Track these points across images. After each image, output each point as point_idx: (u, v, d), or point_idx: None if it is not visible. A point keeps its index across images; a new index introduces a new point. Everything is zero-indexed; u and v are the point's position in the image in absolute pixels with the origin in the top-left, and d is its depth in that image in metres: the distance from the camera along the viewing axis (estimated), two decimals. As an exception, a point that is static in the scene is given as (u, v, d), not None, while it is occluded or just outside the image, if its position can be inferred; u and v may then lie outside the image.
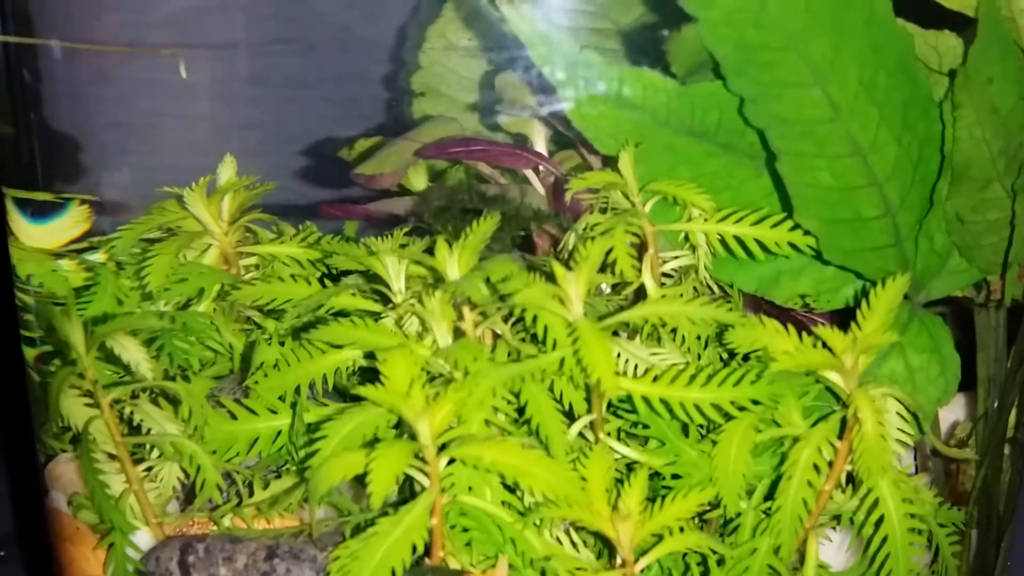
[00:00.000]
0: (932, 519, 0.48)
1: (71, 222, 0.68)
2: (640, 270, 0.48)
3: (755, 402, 0.44)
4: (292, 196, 0.70)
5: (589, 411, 0.46)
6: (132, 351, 0.53)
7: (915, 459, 0.54)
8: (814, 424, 0.45)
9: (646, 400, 0.44)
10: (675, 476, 0.46)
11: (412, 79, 0.65)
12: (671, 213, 0.49)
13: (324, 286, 0.56)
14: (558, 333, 0.44)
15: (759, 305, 0.52)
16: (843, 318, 0.46)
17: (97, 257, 0.64)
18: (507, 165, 0.59)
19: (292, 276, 0.56)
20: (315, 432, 0.49)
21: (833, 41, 0.44)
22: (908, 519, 0.45)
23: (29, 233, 0.66)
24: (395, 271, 0.52)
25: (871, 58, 0.45)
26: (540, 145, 0.58)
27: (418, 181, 0.64)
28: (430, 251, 0.50)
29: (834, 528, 0.49)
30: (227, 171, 0.62)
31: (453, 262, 0.47)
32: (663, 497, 0.43)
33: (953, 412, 0.56)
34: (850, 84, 0.45)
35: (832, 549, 0.51)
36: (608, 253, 0.45)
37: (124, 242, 0.59)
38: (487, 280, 0.47)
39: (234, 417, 0.51)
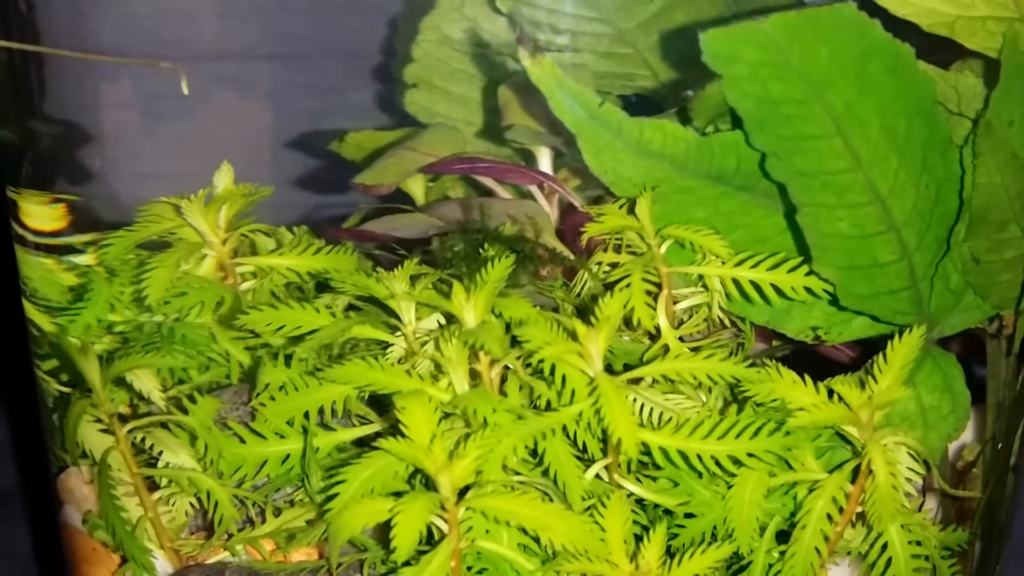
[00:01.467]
0: (937, 553, 0.49)
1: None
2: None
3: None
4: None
5: (604, 454, 0.47)
6: (145, 381, 0.54)
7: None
8: (830, 471, 0.46)
9: (663, 450, 0.45)
10: (688, 515, 0.47)
11: (405, 71, 0.64)
12: (686, 253, 0.48)
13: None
14: (578, 386, 0.44)
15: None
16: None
17: (84, 259, 0.64)
18: (511, 181, 0.59)
19: (295, 296, 0.56)
20: (331, 470, 0.50)
21: (856, 90, 0.43)
22: (915, 560, 0.46)
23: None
24: (405, 303, 0.52)
25: (892, 105, 0.44)
26: (545, 164, 0.57)
27: (418, 191, 0.63)
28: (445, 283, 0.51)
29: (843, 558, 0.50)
30: (224, 179, 0.61)
31: (469, 308, 0.47)
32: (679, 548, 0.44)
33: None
34: (871, 132, 0.44)
35: (838, 572, 0.52)
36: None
37: (116, 249, 0.58)
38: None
39: (242, 440, 0.52)
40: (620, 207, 0.48)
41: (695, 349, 0.50)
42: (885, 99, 0.44)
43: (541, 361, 0.44)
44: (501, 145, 0.64)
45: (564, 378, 0.45)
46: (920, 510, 0.53)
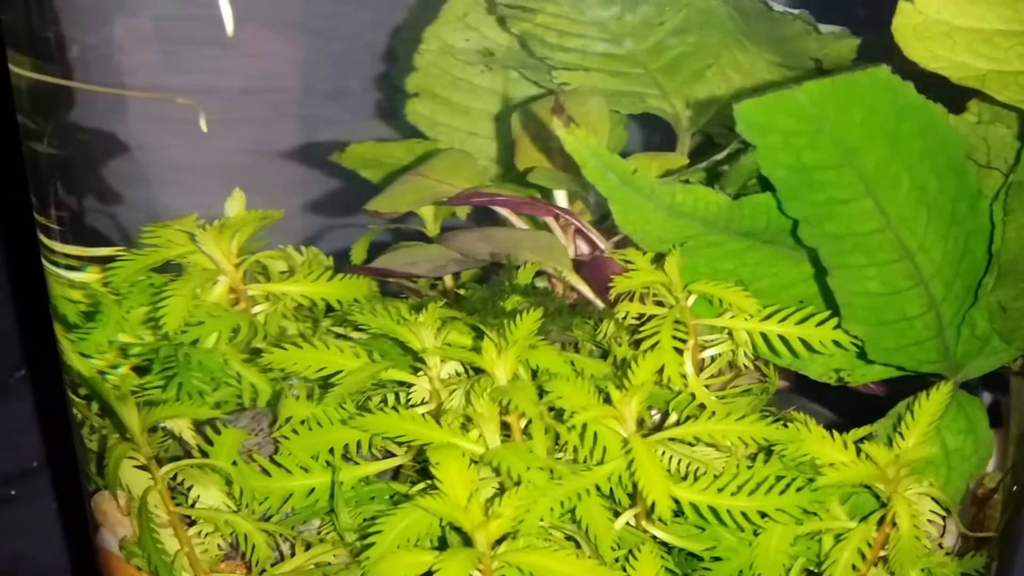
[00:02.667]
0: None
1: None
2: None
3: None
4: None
5: (633, 501, 0.48)
6: (179, 424, 0.55)
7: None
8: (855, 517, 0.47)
9: (693, 505, 0.46)
10: (715, 559, 0.49)
11: (407, 80, 0.64)
12: (713, 304, 0.49)
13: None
14: (611, 445, 0.45)
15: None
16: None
17: (84, 277, 0.65)
18: (528, 213, 0.59)
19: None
20: (364, 515, 0.51)
21: (887, 152, 0.43)
22: (935, 601, 0.48)
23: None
24: (429, 341, 0.52)
25: (923, 163, 0.44)
26: (561, 199, 0.57)
27: (428, 215, 0.63)
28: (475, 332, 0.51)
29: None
30: (236, 205, 0.62)
31: (500, 364, 0.48)
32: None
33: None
34: (901, 191, 0.44)
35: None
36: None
37: (125, 272, 0.59)
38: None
39: (268, 474, 0.53)
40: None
41: (719, 394, 0.51)
42: (916, 158, 0.44)
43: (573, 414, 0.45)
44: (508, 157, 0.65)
45: (596, 435, 0.46)
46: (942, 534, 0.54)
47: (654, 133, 0.67)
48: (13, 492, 0.91)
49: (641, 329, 0.48)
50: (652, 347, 0.47)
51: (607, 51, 0.59)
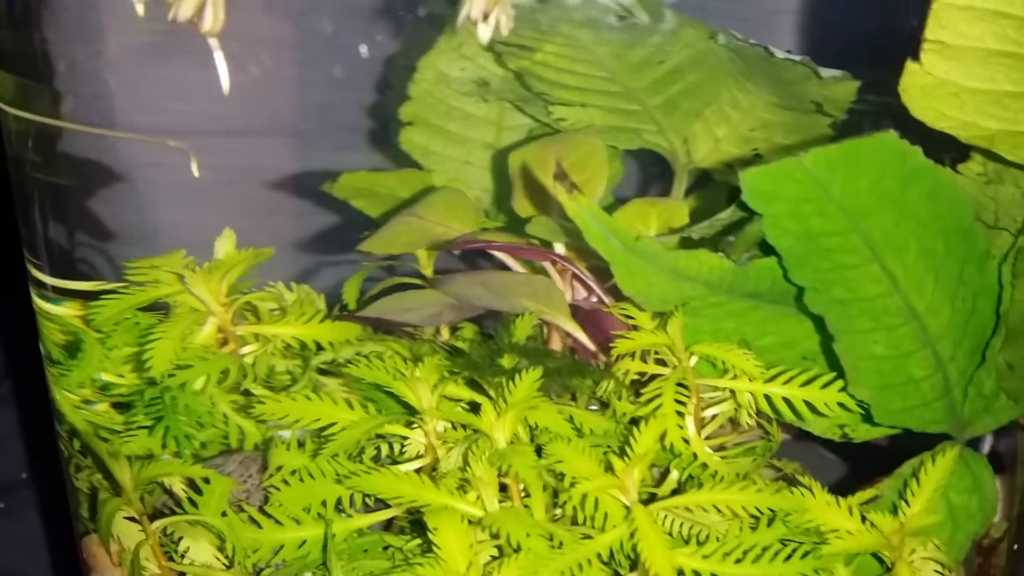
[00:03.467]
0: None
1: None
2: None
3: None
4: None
5: (634, 568, 0.47)
6: (171, 480, 0.54)
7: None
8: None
9: (697, 574, 0.45)
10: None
11: (401, 109, 0.63)
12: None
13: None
14: (612, 511, 0.44)
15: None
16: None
17: (60, 310, 0.64)
18: (525, 258, 0.58)
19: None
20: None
21: (895, 216, 0.42)
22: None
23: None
24: (427, 401, 0.51)
25: (931, 226, 0.43)
26: (559, 247, 0.57)
27: (422, 253, 0.62)
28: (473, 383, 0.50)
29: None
30: (226, 244, 0.61)
31: (499, 426, 0.47)
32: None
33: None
34: (909, 255, 0.43)
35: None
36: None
37: (108, 311, 0.58)
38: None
39: (259, 525, 0.52)
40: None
41: (719, 448, 0.50)
42: (924, 221, 0.43)
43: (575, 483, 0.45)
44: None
45: (597, 501, 0.45)
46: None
47: (650, 167, 0.66)
48: (1, 505, 0.90)
49: (643, 390, 0.47)
50: (654, 410, 0.46)
51: (605, 88, 0.58)
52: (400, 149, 0.66)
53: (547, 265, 0.59)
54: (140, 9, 0.38)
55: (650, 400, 0.46)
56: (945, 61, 0.42)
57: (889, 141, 0.41)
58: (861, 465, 0.57)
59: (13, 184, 0.64)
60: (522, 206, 0.59)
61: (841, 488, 0.49)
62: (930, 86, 0.42)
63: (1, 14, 0.60)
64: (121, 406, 0.60)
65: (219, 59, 0.39)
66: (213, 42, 0.38)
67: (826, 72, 0.53)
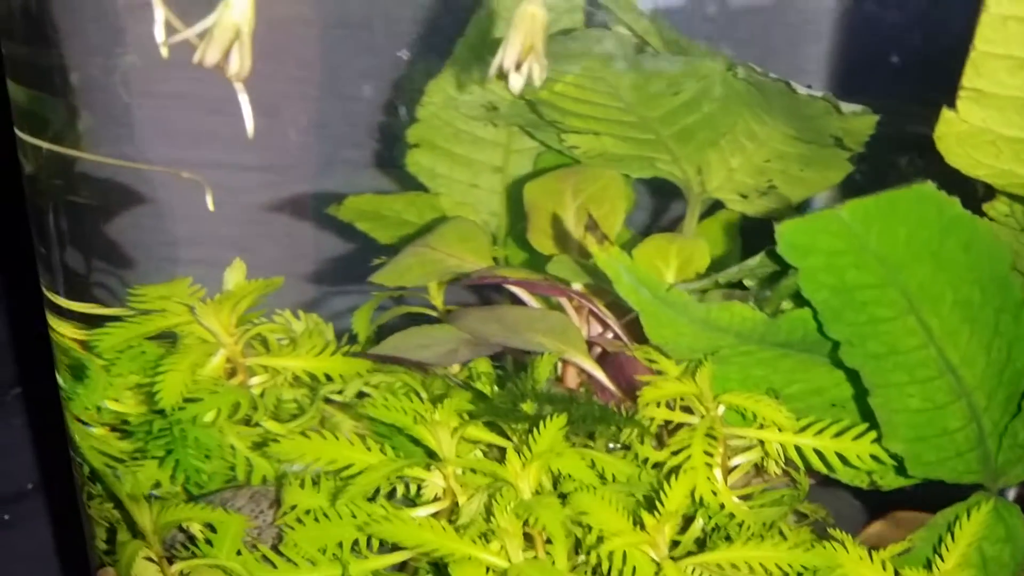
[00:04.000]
0: None
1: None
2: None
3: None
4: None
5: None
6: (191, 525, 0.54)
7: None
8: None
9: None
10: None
11: (408, 132, 0.63)
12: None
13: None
14: (641, 566, 0.43)
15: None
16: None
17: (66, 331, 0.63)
18: (542, 293, 0.57)
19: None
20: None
21: (931, 268, 0.41)
22: None
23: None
24: (448, 446, 0.50)
25: (967, 276, 0.43)
26: (577, 284, 0.56)
27: (433, 285, 0.62)
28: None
29: None
30: (236, 276, 0.61)
31: (525, 476, 0.46)
32: None
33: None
34: (944, 306, 0.42)
35: None
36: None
37: (111, 340, 0.58)
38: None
39: (273, 565, 0.51)
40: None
41: (745, 496, 0.49)
42: (960, 272, 0.42)
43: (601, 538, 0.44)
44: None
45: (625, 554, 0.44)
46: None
47: (663, 195, 0.65)
48: (7, 516, 0.88)
49: (668, 438, 0.46)
50: (684, 462, 0.45)
51: (619, 118, 0.57)
52: (406, 171, 0.66)
53: (563, 301, 0.58)
54: (164, 52, 0.36)
55: (678, 451, 0.45)
56: (982, 109, 0.41)
57: (926, 192, 0.40)
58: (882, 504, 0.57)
59: (28, 203, 0.63)
60: (538, 240, 0.59)
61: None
62: (966, 134, 0.41)
63: (16, 28, 0.59)
64: (127, 433, 0.60)
65: (244, 103, 0.38)
66: (239, 86, 0.37)
67: (847, 107, 0.52)
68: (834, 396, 0.47)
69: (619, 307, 0.55)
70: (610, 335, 0.57)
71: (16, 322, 0.90)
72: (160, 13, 0.36)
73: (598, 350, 0.57)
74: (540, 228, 0.59)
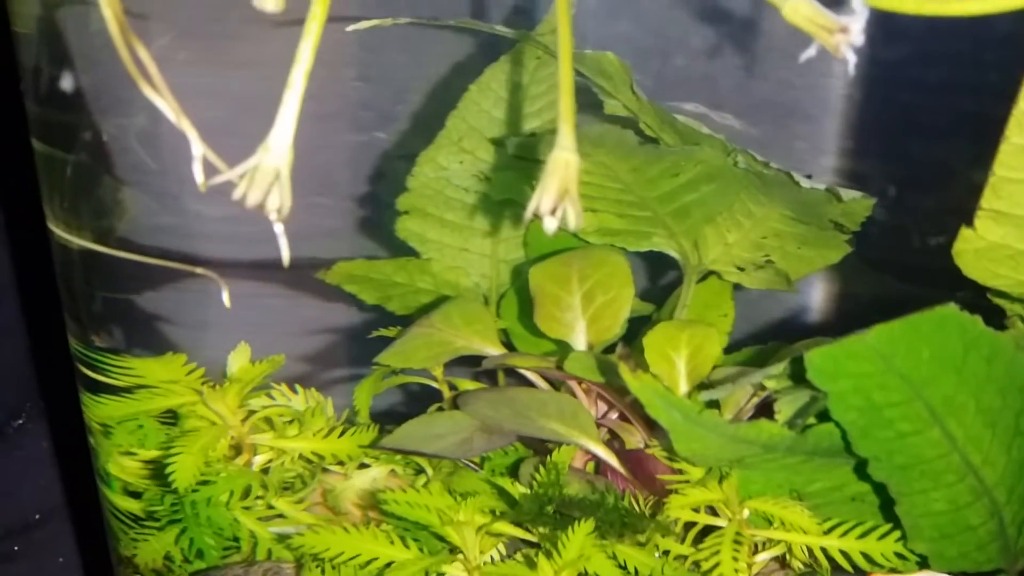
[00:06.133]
0: None
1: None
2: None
3: None
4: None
5: None
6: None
7: None
8: None
9: None
10: None
11: (399, 200, 0.64)
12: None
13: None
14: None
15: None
16: None
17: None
18: (554, 378, 0.58)
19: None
20: None
21: (954, 382, 0.42)
22: None
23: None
24: (472, 544, 0.51)
25: (989, 386, 0.43)
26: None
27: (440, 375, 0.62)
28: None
29: None
30: (240, 359, 0.62)
31: (556, 586, 0.46)
32: None
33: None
34: (967, 415, 0.43)
35: None
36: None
37: (108, 412, 0.59)
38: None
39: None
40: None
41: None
42: (982, 383, 0.43)
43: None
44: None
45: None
46: None
47: (658, 264, 0.66)
48: (16, 548, 0.87)
49: (701, 548, 0.47)
50: (713, 568, 0.45)
51: (617, 196, 0.58)
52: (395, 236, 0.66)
53: (572, 384, 0.58)
54: (203, 189, 0.36)
55: (705, 554, 0.46)
56: (1000, 227, 0.42)
57: (950, 314, 0.41)
58: None
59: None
60: (546, 324, 0.59)
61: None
62: (985, 249, 0.42)
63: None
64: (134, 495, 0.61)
65: (282, 239, 0.38)
66: (279, 228, 0.37)
67: (847, 194, 0.53)
68: (854, 491, 0.48)
69: (624, 389, 0.56)
70: (615, 415, 0.58)
71: (19, 351, 0.88)
72: (198, 149, 0.36)
73: (605, 431, 0.57)
74: (547, 313, 0.59)
